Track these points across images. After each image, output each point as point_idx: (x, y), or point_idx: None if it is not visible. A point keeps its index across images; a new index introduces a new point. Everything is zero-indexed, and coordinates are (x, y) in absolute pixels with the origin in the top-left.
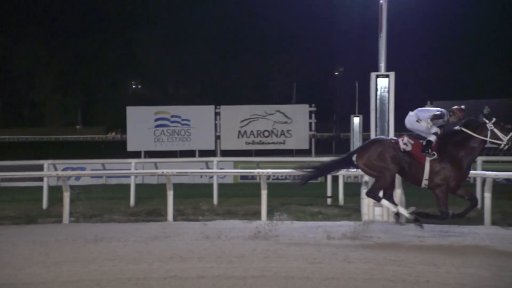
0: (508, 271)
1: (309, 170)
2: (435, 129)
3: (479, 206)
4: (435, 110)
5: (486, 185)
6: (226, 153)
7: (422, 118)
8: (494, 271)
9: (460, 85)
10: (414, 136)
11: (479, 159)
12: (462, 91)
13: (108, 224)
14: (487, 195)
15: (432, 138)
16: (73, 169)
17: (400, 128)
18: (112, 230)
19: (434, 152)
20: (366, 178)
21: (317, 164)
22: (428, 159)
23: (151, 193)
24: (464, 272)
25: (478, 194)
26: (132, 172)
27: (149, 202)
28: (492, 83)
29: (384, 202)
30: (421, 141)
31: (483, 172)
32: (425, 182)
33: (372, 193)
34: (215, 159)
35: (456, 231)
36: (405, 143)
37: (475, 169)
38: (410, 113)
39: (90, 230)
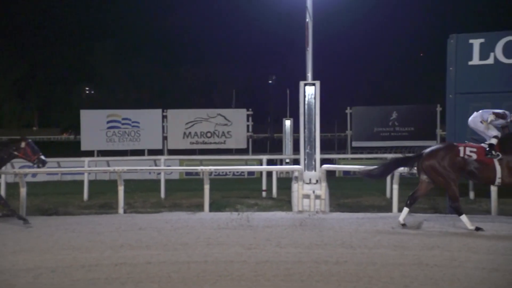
0: (411, 250)
1: (376, 168)
2: (495, 132)
3: (388, 195)
4: (499, 111)
5: (394, 178)
6: (172, 152)
7: (485, 119)
8: (399, 251)
9: (376, 93)
10: (472, 140)
11: (388, 157)
12: (378, 98)
13: (63, 217)
14: (395, 187)
15: (493, 141)
16: (29, 167)
17: (327, 129)
18: (66, 222)
19: (498, 153)
20: (296, 173)
21: (384, 162)
22: (495, 160)
23: (103, 189)
24: (375, 252)
25: (388, 187)
26: (86, 169)
27: (101, 197)
28: (404, 91)
29: (464, 218)
30: (481, 144)
31: None
32: (498, 181)
33: (455, 206)
34: (162, 158)
35: (370, 217)
36: (468, 154)
37: None
38: (475, 113)
39: (45, 222)
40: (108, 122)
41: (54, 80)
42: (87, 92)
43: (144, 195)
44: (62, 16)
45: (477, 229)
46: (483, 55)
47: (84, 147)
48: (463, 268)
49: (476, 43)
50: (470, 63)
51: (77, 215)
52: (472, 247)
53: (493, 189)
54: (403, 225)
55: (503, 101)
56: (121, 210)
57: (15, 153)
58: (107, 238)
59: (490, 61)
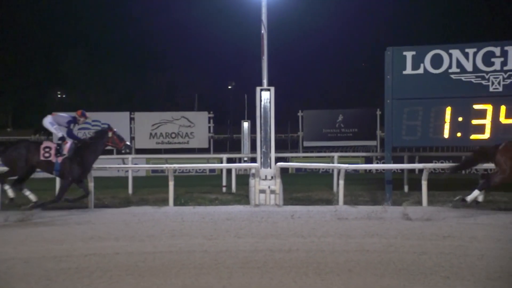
0: (354, 238)
1: (455, 164)
2: None
3: (334, 190)
4: None
5: (340, 174)
6: (139, 151)
7: None
8: (344, 239)
9: (324, 98)
10: None
11: (335, 155)
12: (326, 102)
13: (35, 211)
14: (341, 182)
15: None
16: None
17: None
18: (39, 216)
19: None
20: (253, 170)
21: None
22: None
23: (74, 185)
24: (323, 241)
25: (334, 182)
26: None
27: (72, 193)
28: (349, 96)
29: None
30: None
31: (338, 165)
32: None
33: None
34: (130, 156)
35: (319, 209)
36: None
37: (333, 163)
38: None
39: (19, 216)
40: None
41: (28, 84)
42: (59, 96)
43: (113, 191)
44: (36, 24)
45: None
46: (415, 66)
47: None
48: (398, 252)
49: (409, 55)
50: (404, 72)
51: (49, 210)
52: (405, 234)
53: (424, 183)
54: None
55: (432, 106)
56: (91, 205)
57: (106, 142)
58: (78, 231)
59: (421, 71)
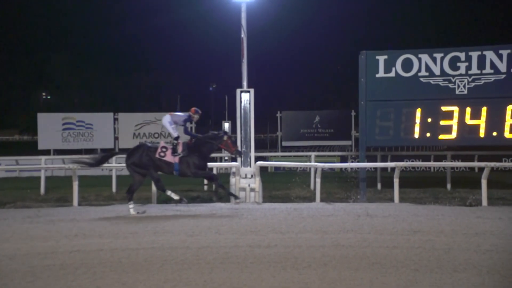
0: (330, 234)
1: None
2: None
3: (312, 188)
4: None
5: (317, 173)
6: (123, 151)
7: None
8: (320, 235)
9: (302, 99)
10: None
11: (312, 154)
12: (304, 104)
13: (20, 209)
14: (318, 180)
15: None
16: None
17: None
18: (24, 214)
19: None
20: (234, 169)
21: None
22: None
23: (59, 184)
24: (301, 237)
25: (312, 180)
26: (42, 166)
27: (57, 191)
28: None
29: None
30: None
31: (315, 163)
32: None
33: None
34: (114, 156)
35: (297, 207)
36: None
37: (310, 162)
38: None
39: (4, 215)
40: (63, 124)
41: (13, 86)
42: (44, 97)
43: (97, 189)
44: (21, 26)
45: None
46: (387, 69)
47: (41, 146)
48: (371, 247)
49: (381, 59)
50: (377, 75)
51: (35, 208)
52: (378, 230)
53: (395, 181)
54: None
55: (403, 108)
56: (75, 203)
57: (220, 145)
58: (63, 228)
59: (392, 74)
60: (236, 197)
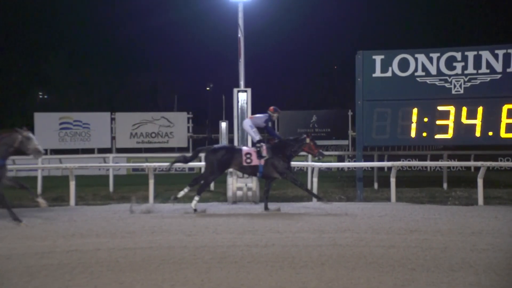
0: (327, 233)
1: None
2: None
3: (309, 188)
4: None
5: (314, 172)
6: (120, 150)
7: None
8: (318, 234)
9: (299, 99)
10: None
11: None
12: (301, 103)
13: (17, 209)
14: (315, 180)
15: None
16: None
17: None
18: (21, 214)
19: None
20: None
21: None
22: None
23: (56, 183)
24: (298, 236)
25: (309, 180)
26: (39, 166)
27: (54, 191)
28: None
29: None
30: None
31: (312, 163)
32: None
33: None
34: (111, 155)
35: (294, 206)
36: None
37: (307, 161)
38: None
39: (0, 214)
40: (60, 123)
41: (9, 85)
42: (41, 96)
43: (94, 189)
44: (17, 25)
45: None
46: (384, 69)
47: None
48: (368, 247)
49: (378, 58)
50: (374, 75)
51: (31, 207)
52: (375, 229)
53: (392, 180)
54: None
55: (399, 107)
56: (72, 203)
57: (303, 148)
58: (60, 228)
59: (389, 74)
60: (319, 198)
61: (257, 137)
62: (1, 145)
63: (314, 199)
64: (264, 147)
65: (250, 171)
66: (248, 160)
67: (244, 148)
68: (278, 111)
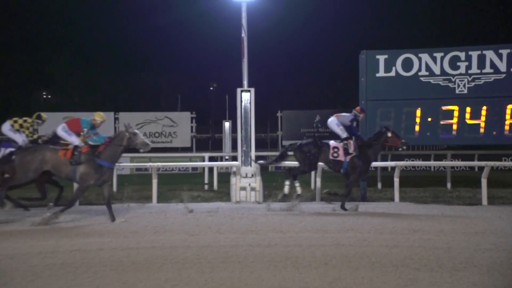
0: (330, 233)
1: None
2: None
3: (312, 187)
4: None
5: (317, 172)
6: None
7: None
8: (321, 234)
9: (302, 99)
10: None
11: None
12: (304, 103)
13: (18, 209)
14: (318, 180)
15: None
16: None
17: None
18: (22, 214)
19: None
20: (234, 169)
21: None
22: None
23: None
24: (301, 236)
25: (312, 179)
26: None
27: (56, 191)
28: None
29: None
30: None
31: None
32: None
33: None
34: None
35: (297, 206)
36: None
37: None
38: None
39: (4, 214)
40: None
41: (13, 86)
42: (44, 96)
43: (97, 189)
44: (21, 25)
45: None
46: (387, 69)
47: None
48: (371, 246)
49: (381, 58)
50: (377, 75)
51: (33, 207)
52: (378, 229)
53: (396, 180)
54: None
55: (403, 107)
56: (76, 202)
57: (385, 142)
58: (63, 228)
59: (393, 73)
60: (343, 207)
61: (344, 134)
62: (113, 146)
63: (317, 199)
64: (351, 144)
65: (334, 166)
66: (335, 154)
67: (332, 142)
68: (365, 112)
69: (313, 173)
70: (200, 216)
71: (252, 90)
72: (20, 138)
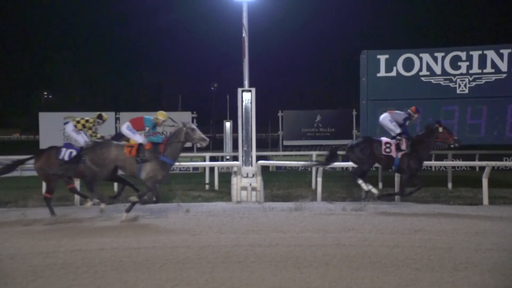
0: (331, 233)
1: None
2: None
3: (313, 187)
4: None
5: (318, 172)
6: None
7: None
8: (322, 234)
9: (303, 99)
10: None
11: (314, 154)
12: (305, 103)
13: (22, 208)
14: (319, 180)
15: None
16: None
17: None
18: (25, 214)
19: None
20: (235, 168)
21: None
22: None
23: (60, 183)
24: (302, 236)
25: (313, 179)
26: None
27: (59, 190)
28: (326, 97)
29: None
30: None
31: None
32: None
33: None
34: None
35: (298, 206)
36: None
37: (311, 161)
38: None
39: (5, 214)
40: (65, 123)
41: (14, 85)
42: (45, 96)
43: (98, 188)
44: (23, 26)
45: None
46: (388, 69)
47: (42, 146)
48: (372, 246)
49: (382, 58)
50: (378, 75)
51: (36, 207)
52: (379, 229)
53: (396, 180)
54: None
55: (404, 107)
56: (77, 202)
57: (437, 139)
58: (64, 228)
59: (393, 73)
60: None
61: (398, 130)
62: (173, 143)
63: (318, 199)
64: (404, 140)
65: (386, 163)
66: (388, 150)
67: (384, 138)
68: (420, 112)
69: (314, 173)
70: (201, 216)
71: (253, 90)
72: (82, 139)
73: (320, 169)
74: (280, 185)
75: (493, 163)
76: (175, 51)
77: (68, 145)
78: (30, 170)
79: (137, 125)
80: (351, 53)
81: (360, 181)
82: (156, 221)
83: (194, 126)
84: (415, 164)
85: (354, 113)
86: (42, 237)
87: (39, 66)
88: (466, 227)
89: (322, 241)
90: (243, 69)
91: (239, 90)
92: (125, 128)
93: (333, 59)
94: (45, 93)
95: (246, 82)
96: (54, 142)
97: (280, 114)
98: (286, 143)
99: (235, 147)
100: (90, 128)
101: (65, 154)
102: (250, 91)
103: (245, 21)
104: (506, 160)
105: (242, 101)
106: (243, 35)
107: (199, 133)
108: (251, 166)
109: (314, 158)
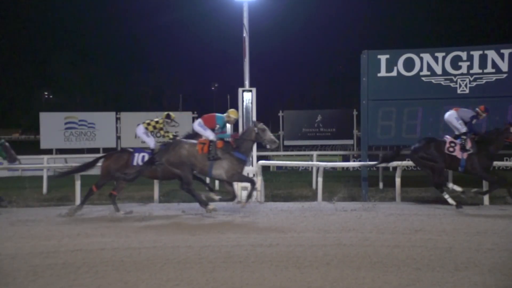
0: (332, 233)
1: None
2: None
3: (314, 187)
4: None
5: (319, 172)
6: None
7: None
8: (322, 234)
9: (304, 98)
10: None
11: (314, 154)
12: (306, 103)
13: (22, 208)
14: (320, 180)
15: None
16: None
17: None
18: (26, 214)
19: None
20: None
21: None
22: None
23: (61, 183)
24: (303, 236)
25: (313, 179)
26: (45, 165)
27: (60, 190)
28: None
29: None
30: None
31: (317, 163)
32: None
33: None
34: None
35: (299, 206)
36: None
37: (312, 161)
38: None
39: (6, 214)
40: (66, 123)
41: (15, 85)
42: (46, 96)
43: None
44: (23, 25)
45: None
46: (389, 69)
47: (43, 146)
48: (373, 246)
49: (383, 58)
50: (379, 75)
51: (37, 207)
52: (380, 229)
53: (397, 180)
54: None
55: (404, 107)
56: (78, 203)
57: (506, 139)
58: (65, 228)
59: (394, 73)
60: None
61: (464, 129)
62: (244, 141)
63: (319, 199)
64: (469, 140)
65: (450, 163)
66: (451, 149)
67: (448, 137)
68: (488, 111)
69: (314, 173)
70: (201, 216)
71: (254, 90)
72: (152, 142)
73: (321, 169)
74: (281, 185)
75: (493, 163)
76: (176, 51)
77: (140, 150)
78: (31, 170)
79: (209, 123)
80: (352, 53)
81: (450, 185)
82: (157, 221)
83: (264, 126)
84: (483, 165)
85: (355, 113)
86: (43, 237)
87: (40, 66)
88: (466, 227)
89: (323, 241)
90: (243, 69)
91: (240, 90)
92: (197, 125)
93: (334, 59)
94: (46, 93)
95: (246, 82)
96: (55, 142)
97: (280, 114)
98: (286, 143)
99: None
100: (161, 129)
101: (138, 158)
102: (250, 91)
103: (245, 21)
104: (507, 160)
105: (242, 101)
106: (244, 35)
107: (269, 134)
108: (252, 166)
109: (315, 158)
